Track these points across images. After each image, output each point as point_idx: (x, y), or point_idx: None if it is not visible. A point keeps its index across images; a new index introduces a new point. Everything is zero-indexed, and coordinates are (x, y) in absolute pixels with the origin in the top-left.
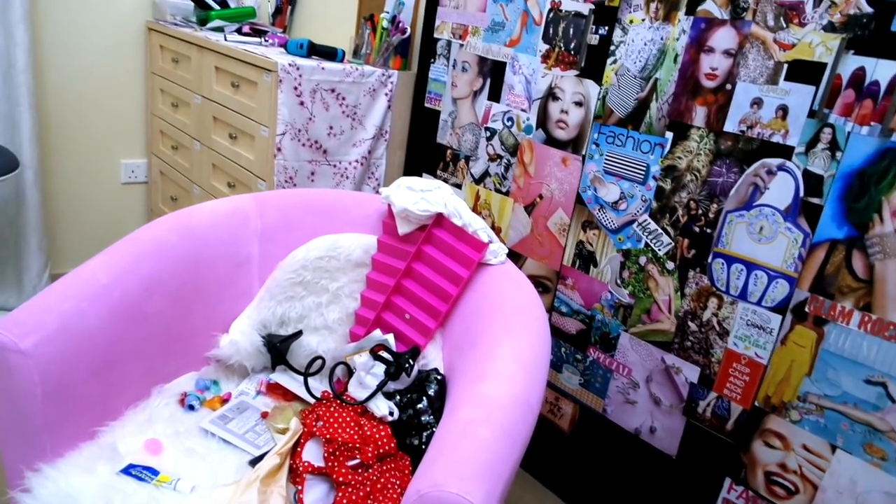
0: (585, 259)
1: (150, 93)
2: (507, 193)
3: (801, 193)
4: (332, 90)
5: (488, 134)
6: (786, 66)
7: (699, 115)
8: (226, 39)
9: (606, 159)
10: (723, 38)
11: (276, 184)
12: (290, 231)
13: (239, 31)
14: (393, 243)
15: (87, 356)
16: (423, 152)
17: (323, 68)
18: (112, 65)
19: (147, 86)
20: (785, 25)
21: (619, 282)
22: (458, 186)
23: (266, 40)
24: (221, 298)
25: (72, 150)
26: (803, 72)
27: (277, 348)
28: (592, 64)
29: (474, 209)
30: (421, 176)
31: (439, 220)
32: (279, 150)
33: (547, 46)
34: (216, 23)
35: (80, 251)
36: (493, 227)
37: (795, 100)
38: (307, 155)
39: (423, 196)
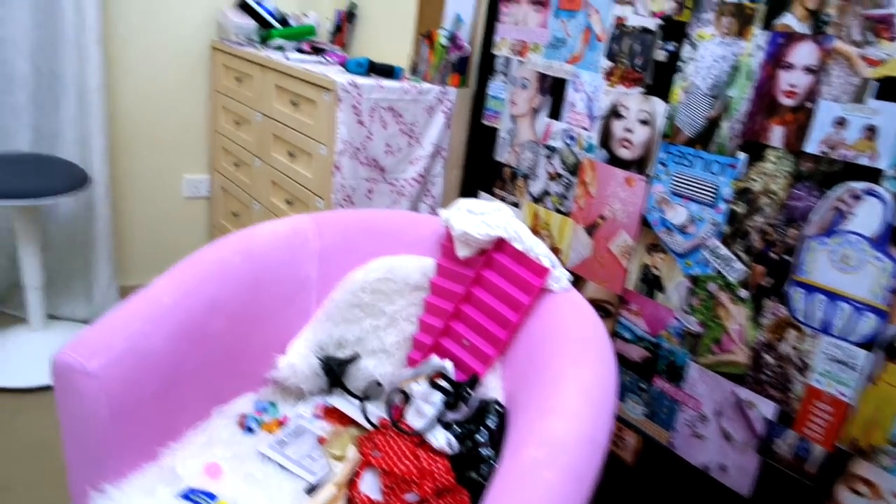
0: (650, 284)
1: (213, 110)
2: (567, 214)
3: (892, 220)
4: (391, 108)
5: (548, 152)
6: (874, 83)
7: (776, 134)
8: (287, 58)
9: (674, 180)
10: (803, 53)
11: (333, 202)
12: (348, 252)
13: (299, 50)
14: (451, 267)
15: (151, 378)
16: (481, 170)
17: (382, 86)
18: (178, 83)
19: (211, 104)
20: (873, 40)
21: (686, 309)
22: (516, 205)
23: (326, 58)
24: (280, 319)
25: (139, 166)
26: (895, 89)
27: (334, 371)
28: (659, 81)
29: (533, 229)
30: (478, 194)
31: (500, 244)
32: (337, 168)
33: (610, 63)
34: (277, 41)
35: (145, 263)
36: (552, 248)
37: (886, 119)
38: (365, 173)
39: (483, 219)
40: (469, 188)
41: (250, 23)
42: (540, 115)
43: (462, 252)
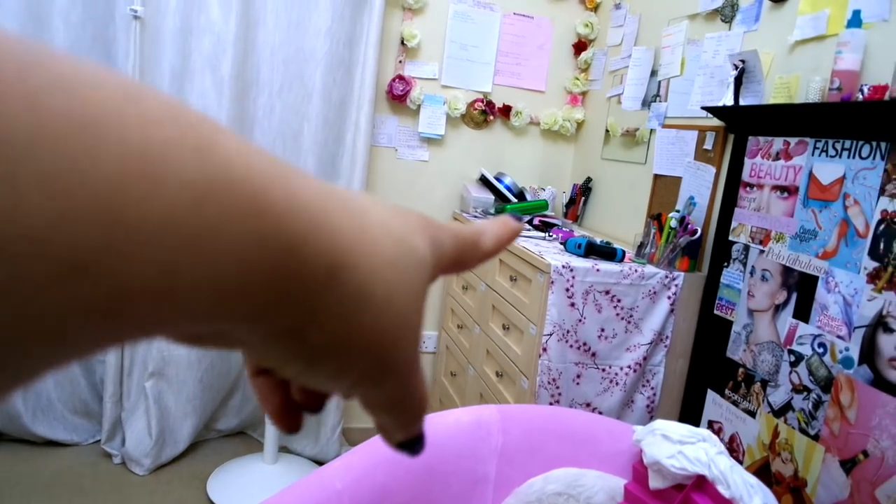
0: None
1: None
2: (816, 437)
3: None
4: (607, 292)
5: (792, 358)
6: None
7: None
8: None
9: None
10: None
11: (538, 383)
12: (531, 454)
13: (530, 223)
14: (642, 497)
15: None
16: (711, 365)
17: (598, 270)
18: None
19: None
20: None
21: None
22: (752, 414)
23: (550, 235)
24: None
25: None
26: None
27: None
28: None
29: (770, 447)
30: (706, 392)
31: (701, 483)
32: (545, 350)
33: (876, 264)
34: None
35: None
36: (794, 477)
37: None
38: (574, 357)
39: (681, 449)
40: (696, 384)
41: (489, 197)
42: (783, 314)
43: (654, 482)
